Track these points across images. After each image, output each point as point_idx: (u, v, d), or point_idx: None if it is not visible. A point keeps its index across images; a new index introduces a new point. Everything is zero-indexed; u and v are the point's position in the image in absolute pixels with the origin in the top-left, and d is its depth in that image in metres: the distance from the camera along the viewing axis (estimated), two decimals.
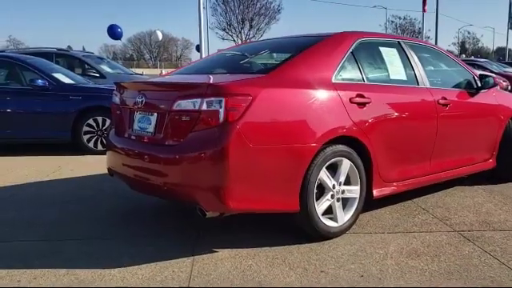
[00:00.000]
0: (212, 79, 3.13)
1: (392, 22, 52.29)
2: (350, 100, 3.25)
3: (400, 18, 50.42)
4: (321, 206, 3.14)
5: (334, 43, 3.45)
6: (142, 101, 3.19)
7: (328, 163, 3.12)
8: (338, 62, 3.34)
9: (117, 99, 3.62)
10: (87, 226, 3.58)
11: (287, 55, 3.30)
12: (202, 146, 2.79)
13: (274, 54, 3.53)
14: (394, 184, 3.64)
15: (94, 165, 5.97)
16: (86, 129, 6.67)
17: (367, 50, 3.64)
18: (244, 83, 2.89)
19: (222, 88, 2.79)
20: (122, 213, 3.94)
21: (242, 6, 47.03)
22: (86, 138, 6.69)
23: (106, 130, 6.66)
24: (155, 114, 3.13)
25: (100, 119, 6.67)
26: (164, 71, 29.55)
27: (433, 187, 4.35)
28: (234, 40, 45.22)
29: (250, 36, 45.59)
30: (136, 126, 3.31)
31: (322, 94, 3.12)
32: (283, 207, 2.97)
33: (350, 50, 3.46)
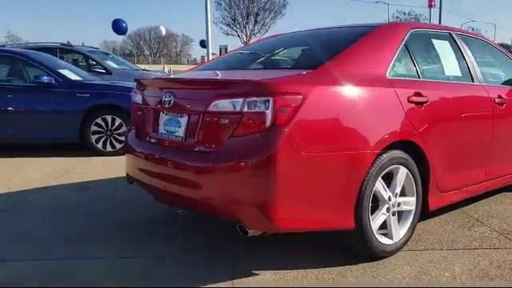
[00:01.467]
0: (254, 75, 2.72)
1: (397, 17, 51.70)
2: (408, 99, 2.84)
3: (405, 14, 49.90)
4: (376, 222, 2.74)
5: (386, 34, 3.04)
6: (170, 100, 2.77)
7: (384, 172, 2.72)
8: (392, 55, 2.94)
9: (138, 98, 3.21)
10: (103, 242, 3.18)
11: (334, 48, 2.88)
12: (245, 154, 2.38)
13: (315, 47, 3.11)
14: (450, 193, 3.24)
15: (104, 168, 5.57)
16: (94, 128, 6.25)
17: (420, 42, 3.23)
18: (293, 80, 2.48)
19: (269, 86, 2.37)
20: (142, 225, 3.54)
21: (246, 1, 46.38)
22: (94, 138, 6.27)
23: (115, 129, 6.25)
24: (186, 115, 2.72)
25: (109, 118, 6.25)
26: (166, 68, 29.09)
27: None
28: (239, 35, 44.76)
29: (255, 31, 45.13)
30: (162, 129, 2.90)
31: (378, 92, 2.72)
32: (336, 224, 2.56)
33: (403, 43, 3.05)
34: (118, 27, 13.49)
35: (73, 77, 6.55)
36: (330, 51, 2.83)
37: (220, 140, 2.49)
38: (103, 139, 6.29)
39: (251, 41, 44.65)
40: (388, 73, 2.85)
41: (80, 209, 3.92)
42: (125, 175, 5.16)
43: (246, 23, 46.01)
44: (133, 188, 4.09)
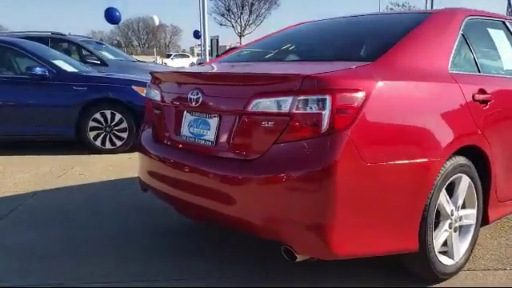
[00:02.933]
0: (302, 69, 2.30)
1: (391, 9, 51.11)
2: (473, 97, 2.45)
3: (399, 6, 49.50)
4: (438, 240, 2.36)
5: (443, 23, 2.64)
6: (198, 98, 2.35)
7: (447, 182, 2.33)
8: (452, 46, 2.54)
9: (154, 94, 2.78)
10: (113, 259, 2.76)
11: (387, 38, 2.47)
12: (295, 164, 1.98)
13: (364, 37, 2.71)
14: (507, 203, 2.87)
15: (104, 167, 5.12)
16: (92, 124, 5.78)
17: (476, 31, 2.84)
18: (354, 74, 2.07)
19: (327, 81, 1.96)
20: (155, 237, 3.12)
21: None
22: (92, 134, 5.81)
23: (115, 126, 5.79)
24: (217, 116, 2.30)
25: (108, 113, 5.79)
26: (158, 59, 28.44)
27: None
28: (233, 26, 43.95)
29: (250, 22, 44.39)
30: (186, 132, 2.48)
31: (443, 89, 2.33)
32: (400, 247, 2.17)
33: (461, 32, 2.65)
34: (111, 16, 12.90)
35: (68, 68, 6.07)
36: (384, 41, 2.42)
37: (262, 146, 2.08)
38: (102, 136, 5.83)
39: (245, 32, 44.05)
40: (449, 66, 2.46)
41: (85, 217, 3.48)
42: (128, 177, 4.82)
43: (241, 13, 45.19)
44: (138, 191, 3.69)
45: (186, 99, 2.44)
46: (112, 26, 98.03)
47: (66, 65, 6.12)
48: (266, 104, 2.06)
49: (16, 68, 6.07)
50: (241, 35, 43.78)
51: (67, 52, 8.95)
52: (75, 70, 6.18)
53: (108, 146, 5.84)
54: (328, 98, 1.91)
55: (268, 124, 2.06)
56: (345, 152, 1.91)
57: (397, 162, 2.05)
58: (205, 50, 13.76)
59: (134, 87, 5.89)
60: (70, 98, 5.73)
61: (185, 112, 2.51)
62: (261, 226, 2.10)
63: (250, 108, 2.10)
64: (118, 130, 5.82)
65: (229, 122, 2.23)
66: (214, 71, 2.63)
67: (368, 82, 2.01)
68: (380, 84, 2.04)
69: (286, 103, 1.99)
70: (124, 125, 5.79)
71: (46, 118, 5.73)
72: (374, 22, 2.98)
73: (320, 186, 1.92)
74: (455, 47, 2.55)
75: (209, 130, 2.35)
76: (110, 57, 9.29)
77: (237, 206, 2.15)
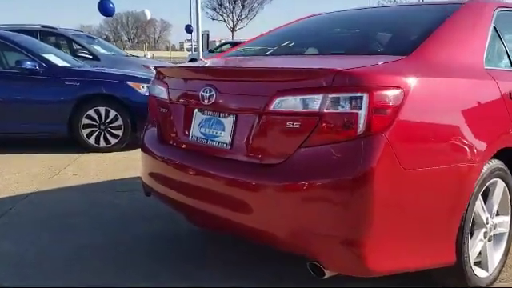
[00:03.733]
0: (333, 63, 2.08)
1: (382, 5, 50.95)
2: (510, 95, 2.26)
3: (391, 1, 49.39)
4: (473, 251, 2.17)
5: (475, 14, 2.44)
6: (211, 96, 2.12)
7: (483, 188, 2.14)
8: (485, 40, 2.35)
9: (159, 91, 2.55)
10: (113, 268, 2.54)
11: (418, 30, 2.27)
12: (325, 171, 1.77)
13: (391, 29, 2.50)
14: None
15: (99, 167, 4.87)
16: (85, 121, 5.52)
17: (507, 24, 2.64)
18: (391, 69, 1.85)
19: (363, 77, 1.75)
20: (157, 243, 2.90)
21: None
22: (85, 132, 5.54)
23: (109, 123, 5.53)
24: (232, 115, 2.08)
25: (103, 110, 5.52)
26: (149, 53, 28.03)
27: None
28: (225, 20, 43.42)
29: (242, 17, 43.94)
30: (197, 132, 2.26)
31: (480, 87, 2.15)
32: (437, 261, 1.98)
33: (493, 25, 2.45)
34: (105, 8, 12.53)
35: (60, 63, 5.79)
36: (415, 33, 2.22)
37: (285, 150, 1.87)
38: (96, 133, 5.57)
39: (237, 26, 43.61)
40: (484, 62, 2.26)
41: (82, 222, 3.24)
42: (125, 177, 4.57)
43: (233, 8, 44.67)
44: (136, 192, 3.49)
45: (196, 97, 2.21)
46: (101, 20, 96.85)
47: (57, 59, 5.84)
48: (291, 102, 1.85)
49: (4, 62, 5.77)
50: (233, 30, 43.35)
51: (57, 46, 8.64)
52: (67, 65, 5.90)
53: (102, 144, 5.59)
54: (365, 96, 1.70)
55: (293, 125, 1.84)
56: (382, 157, 1.70)
57: (436, 168, 1.85)
58: (198, 45, 13.48)
59: (129, 83, 5.64)
60: (62, 93, 5.46)
61: (195, 111, 2.29)
62: (283, 239, 1.89)
63: (272, 107, 1.89)
64: (113, 128, 5.56)
65: (246, 123, 2.01)
66: (229, 66, 2.39)
67: (406, 78, 1.81)
68: (418, 81, 1.84)
69: (315, 102, 1.78)
70: (119, 122, 5.54)
71: (36, 114, 5.46)
72: (398, 13, 2.77)
73: (354, 195, 1.71)
74: (488, 41, 2.35)
75: (223, 130, 2.12)
76: (102, 51, 8.99)
77: (254, 216, 1.94)
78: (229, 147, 2.08)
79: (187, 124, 2.33)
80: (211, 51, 17.27)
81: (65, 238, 2.97)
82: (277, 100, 1.87)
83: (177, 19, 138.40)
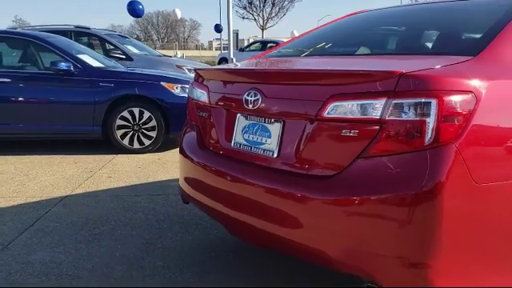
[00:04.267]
0: (394, 64, 1.90)
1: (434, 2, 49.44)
2: None
3: None
4: None
5: None
6: (256, 100, 1.98)
7: None
8: None
9: (199, 94, 2.42)
10: (153, 282, 2.42)
11: (481, 28, 2.05)
12: (387, 185, 1.59)
13: (449, 26, 2.29)
14: None
15: (133, 169, 4.80)
16: (119, 123, 5.47)
17: None
18: (459, 72, 1.66)
19: (432, 80, 1.57)
20: (197, 254, 2.77)
21: None
22: (119, 133, 5.49)
23: (143, 124, 5.46)
24: (280, 121, 1.93)
25: (136, 111, 5.46)
26: (179, 53, 28.14)
27: None
28: (255, 19, 43.16)
29: (272, 15, 43.61)
30: (239, 138, 2.11)
31: None
32: (509, 284, 1.77)
33: None
34: (134, 9, 12.60)
35: (94, 63, 5.76)
36: (480, 31, 2.00)
37: (341, 161, 1.70)
38: (130, 135, 5.51)
39: (267, 25, 43.35)
40: None
41: (118, 228, 3.15)
42: (159, 179, 4.48)
43: (263, 6, 44.26)
44: (172, 196, 3.38)
45: (239, 101, 2.07)
46: (131, 20, 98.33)
47: (91, 59, 5.81)
48: (348, 108, 1.68)
49: (39, 63, 5.80)
50: (263, 28, 43.07)
51: (90, 46, 8.69)
52: (101, 65, 5.87)
53: (136, 145, 5.52)
54: (433, 101, 1.52)
55: (349, 133, 1.67)
56: (453, 170, 1.52)
57: (508, 182, 1.64)
58: (229, 44, 13.38)
59: (162, 83, 5.56)
60: (97, 94, 5.42)
61: (238, 115, 2.14)
62: (335, 258, 1.72)
63: (326, 113, 1.72)
64: (147, 129, 5.50)
65: (296, 129, 1.85)
66: (275, 68, 2.23)
67: (477, 81, 1.61)
68: (490, 84, 1.64)
69: (376, 107, 1.60)
70: (153, 123, 5.47)
71: (70, 116, 5.45)
72: (455, 9, 2.54)
73: (420, 212, 1.53)
74: None
75: (269, 137, 1.97)
76: (135, 51, 8.98)
77: (304, 232, 1.79)
78: (275, 156, 1.93)
79: (229, 129, 2.19)
80: (241, 50, 17.19)
81: (100, 245, 2.88)
82: (331, 105, 1.71)
83: (206, 18, 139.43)
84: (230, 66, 2.57)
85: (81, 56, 5.68)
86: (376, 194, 1.60)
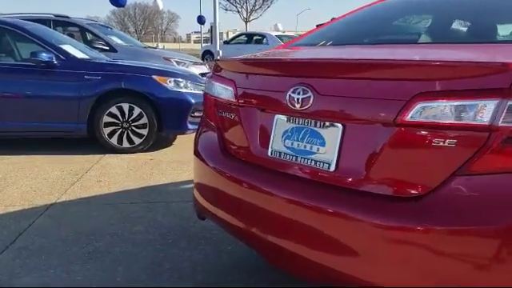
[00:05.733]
0: (496, 55, 1.51)
1: None
2: None
3: None
4: None
5: None
6: (307, 98, 1.58)
7: None
8: None
9: (221, 90, 2.01)
10: None
11: None
12: (501, 210, 1.21)
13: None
14: None
15: (124, 171, 4.35)
16: (107, 119, 4.98)
17: None
18: None
19: None
20: (225, 281, 2.36)
21: None
22: (107, 131, 5.01)
23: (133, 121, 4.99)
24: (339, 125, 1.53)
25: (126, 107, 4.98)
26: (160, 45, 27.38)
27: None
28: (239, 11, 42.27)
29: (256, 7, 42.86)
30: (279, 145, 1.71)
31: None
32: None
33: None
34: None
35: (78, 54, 5.25)
36: None
37: (430, 178, 1.32)
38: (118, 133, 5.03)
39: (251, 17, 42.59)
40: None
41: (115, 245, 2.72)
42: (155, 184, 4.01)
43: None
44: (172, 204, 2.99)
45: (280, 99, 1.66)
46: (108, 12, 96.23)
47: (75, 50, 5.30)
48: (441, 110, 1.29)
49: (17, 54, 5.26)
50: (246, 21, 42.28)
51: (71, 36, 8.10)
52: (86, 57, 5.36)
53: (125, 144, 5.05)
54: None
55: (443, 143, 1.29)
56: None
57: None
58: (215, 36, 12.90)
59: (154, 77, 5.10)
60: (82, 88, 4.92)
61: (276, 117, 1.74)
62: None
63: (409, 116, 1.33)
64: (137, 126, 5.03)
65: (363, 136, 1.46)
66: (333, 58, 1.80)
67: None
68: None
69: (484, 110, 1.22)
70: (144, 120, 5.00)
71: (53, 111, 4.94)
72: None
73: None
74: None
75: (322, 145, 1.57)
76: (119, 42, 8.43)
77: (373, 267, 1.40)
78: (333, 169, 1.53)
79: (264, 134, 1.78)
80: (226, 42, 16.69)
81: (97, 267, 2.45)
82: (417, 106, 1.32)
83: (185, 11, 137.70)
84: (265, 55, 2.14)
85: (63, 46, 5.16)
86: (486, 222, 1.22)
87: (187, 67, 7.79)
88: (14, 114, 4.90)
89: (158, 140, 5.25)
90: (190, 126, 5.15)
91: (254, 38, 16.30)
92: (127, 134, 5.03)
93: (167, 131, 5.18)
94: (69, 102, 4.91)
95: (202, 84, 5.60)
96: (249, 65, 1.92)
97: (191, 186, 3.89)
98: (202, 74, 7.20)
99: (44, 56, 4.82)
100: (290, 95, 1.62)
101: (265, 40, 15.61)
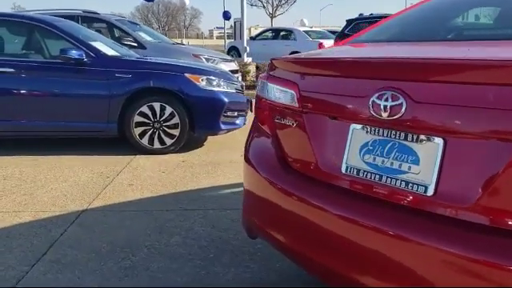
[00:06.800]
0: None
1: None
2: None
3: None
4: None
5: None
6: (398, 106, 1.31)
7: None
8: None
9: (279, 93, 1.75)
10: None
11: None
12: None
13: None
14: None
15: (155, 174, 4.14)
16: (137, 119, 4.79)
17: None
18: None
19: None
20: None
21: None
22: (137, 131, 4.81)
23: (165, 121, 4.78)
24: (436, 139, 1.25)
25: (157, 106, 4.77)
26: (185, 42, 27.29)
27: None
28: (264, 6, 41.73)
29: (282, 2, 42.28)
30: (357, 161, 1.45)
31: None
32: None
33: None
34: None
35: (109, 51, 5.06)
36: None
37: None
38: (149, 133, 4.83)
39: (277, 12, 42.03)
40: None
41: (152, 260, 2.50)
42: (190, 188, 3.75)
43: None
44: (210, 211, 2.77)
45: (360, 105, 1.40)
46: (132, 8, 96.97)
47: (105, 47, 5.11)
48: None
49: (46, 51, 5.11)
50: (272, 16, 41.75)
51: (99, 32, 7.96)
52: (117, 54, 5.17)
53: (157, 145, 4.85)
54: None
55: None
56: None
57: None
58: (242, 31, 12.65)
59: (187, 75, 4.87)
60: (112, 87, 4.73)
61: (352, 127, 1.47)
62: None
63: None
64: (169, 127, 4.82)
65: (472, 154, 1.19)
66: (436, 57, 1.50)
67: None
68: None
69: None
70: (175, 120, 4.79)
71: (82, 111, 4.78)
72: None
73: None
74: None
75: (415, 163, 1.30)
76: (148, 38, 8.26)
77: None
78: (430, 193, 1.26)
79: (336, 146, 1.52)
80: (252, 38, 16.41)
81: (132, 281, 2.23)
82: None
83: (207, 7, 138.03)
84: (334, 53, 1.87)
85: (94, 43, 4.98)
86: None
87: (216, 64, 7.56)
88: (43, 113, 4.75)
89: (189, 140, 5.04)
90: (222, 127, 4.92)
91: (281, 33, 15.96)
92: (158, 134, 4.83)
93: (199, 132, 4.96)
94: (99, 101, 4.73)
95: (235, 82, 5.36)
96: (317, 65, 1.65)
97: (228, 191, 3.72)
98: (232, 72, 6.98)
99: (74, 53, 4.64)
100: (373, 101, 1.35)
101: (292, 36, 15.25)
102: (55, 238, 2.78)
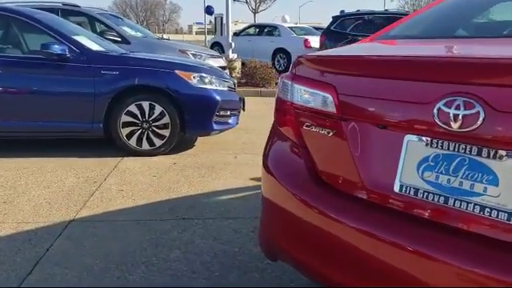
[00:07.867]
0: None
1: None
2: None
3: None
4: None
5: None
6: (473, 115, 1.08)
7: None
8: None
9: (311, 95, 1.51)
10: None
11: None
12: None
13: None
14: None
15: (146, 179, 3.86)
16: (125, 119, 4.49)
17: None
18: None
19: None
20: None
21: None
22: (125, 132, 4.52)
23: (153, 121, 4.50)
24: None
25: (146, 105, 4.49)
26: (165, 37, 26.73)
27: None
28: (247, 1, 41.25)
29: None
30: (414, 178, 1.23)
31: None
32: None
33: None
34: None
35: (94, 47, 4.74)
36: None
37: None
38: (138, 133, 4.54)
39: (260, 8, 41.63)
40: None
41: (151, 278, 2.24)
42: (184, 195, 3.47)
43: None
44: (208, 223, 2.54)
45: (420, 113, 1.19)
46: (109, 2, 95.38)
47: (90, 42, 4.79)
48: None
49: (25, 45, 4.75)
50: (255, 12, 41.33)
51: (80, 26, 7.58)
52: (102, 49, 4.85)
53: (145, 146, 4.56)
54: None
55: None
56: None
57: None
58: (227, 26, 12.35)
59: (177, 72, 4.59)
60: (97, 84, 4.42)
61: (407, 138, 1.25)
62: None
63: None
64: (158, 127, 4.54)
65: None
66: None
67: None
68: None
69: None
70: (165, 120, 4.51)
71: (65, 110, 4.46)
72: None
73: None
74: None
75: (493, 183, 1.09)
76: (132, 33, 7.90)
77: None
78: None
79: (386, 160, 1.29)
80: (236, 34, 16.09)
81: None
82: None
83: (186, 2, 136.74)
84: (379, 50, 1.64)
85: (77, 38, 4.66)
86: None
87: (204, 60, 7.28)
88: (22, 113, 4.42)
89: (179, 141, 4.76)
90: (215, 127, 4.68)
91: (265, 29, 15.69)
92: (147, 134, 4.54)
93: (191, 132, 4.69)
94: (83, 100, 4.42)
95: (227, 80, 5.11)
96: (361, 64, 1.42)
97: (226, 198, 3.47)
98: (221, 68, 6.71)
99: (56, 48, 4.32)
100: (440, 109, 1.13)
101: (277, 32, 14.99)
102: (40, 254, 2.49)
